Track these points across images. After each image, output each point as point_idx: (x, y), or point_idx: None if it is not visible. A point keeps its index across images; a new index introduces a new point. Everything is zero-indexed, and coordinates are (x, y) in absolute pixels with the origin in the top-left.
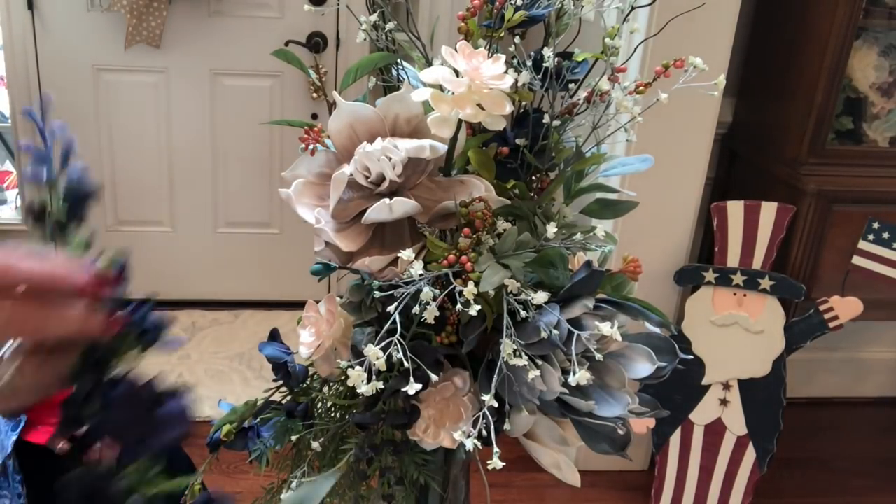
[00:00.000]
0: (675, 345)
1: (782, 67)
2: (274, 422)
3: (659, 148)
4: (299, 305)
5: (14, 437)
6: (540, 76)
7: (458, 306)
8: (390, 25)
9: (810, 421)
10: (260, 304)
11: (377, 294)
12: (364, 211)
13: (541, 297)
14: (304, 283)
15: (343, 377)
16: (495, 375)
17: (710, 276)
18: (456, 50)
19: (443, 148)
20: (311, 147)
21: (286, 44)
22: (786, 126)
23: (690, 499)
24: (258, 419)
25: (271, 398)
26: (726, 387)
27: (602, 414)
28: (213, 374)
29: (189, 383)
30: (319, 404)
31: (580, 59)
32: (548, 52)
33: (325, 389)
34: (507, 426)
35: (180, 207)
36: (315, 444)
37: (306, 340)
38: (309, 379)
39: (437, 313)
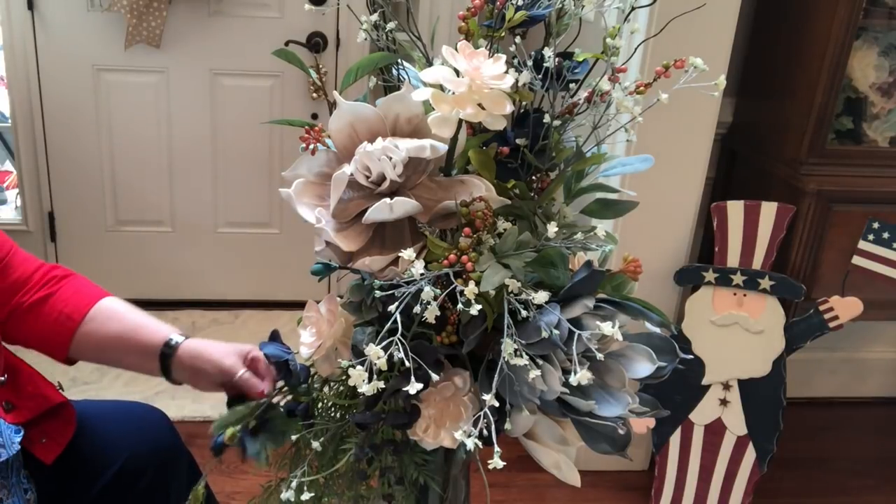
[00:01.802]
0: (675, 345)
1: (782, 67)
2: (274, 422)
3: (659, 148)
4: (299, 305)
5: (18, 440)
6: (540, 76)
7: (459, 306)
8: (391, 25)
9: (810, 421)
10: (260, 305)
11: (378, 294)
12: (364, 211)
13: (541, 296)
14: (305, 283)
15: (344, 377)
16: (496, 375)
17: (710, 276)
18: (456, 50)
19: (443, 148)
20: (311, 147)
21: (286, 44)
22: (786, 126)
23: (690, 499)
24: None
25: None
26: (726, 387)
27: (602, 414)
28: None
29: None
30: (320, 404)
31: (580, 59)
32: (548, 52)
33: (326, 389)
34: (507, 426)
35: (180, 207)
36: (315, 444)
37: (307, 340)
38: (309, 379)
39: (438, 313)
